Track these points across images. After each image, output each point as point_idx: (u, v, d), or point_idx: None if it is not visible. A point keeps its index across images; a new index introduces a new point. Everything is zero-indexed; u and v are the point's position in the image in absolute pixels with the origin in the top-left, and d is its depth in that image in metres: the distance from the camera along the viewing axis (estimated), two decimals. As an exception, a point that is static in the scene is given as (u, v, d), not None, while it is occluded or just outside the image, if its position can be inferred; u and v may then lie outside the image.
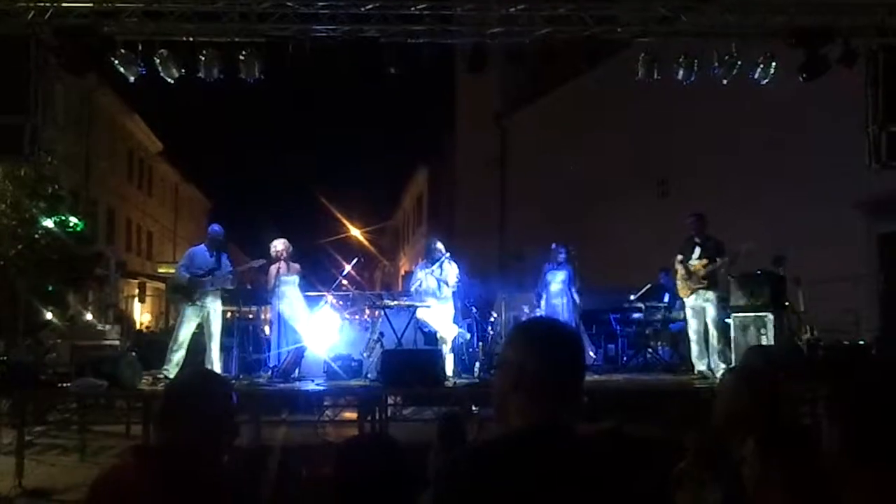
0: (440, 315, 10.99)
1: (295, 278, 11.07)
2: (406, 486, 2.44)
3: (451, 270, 11.10)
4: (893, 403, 2.05)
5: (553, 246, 12.09)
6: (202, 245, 10.57)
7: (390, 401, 10.10)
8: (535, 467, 1.85)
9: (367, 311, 12.37)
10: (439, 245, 11.33)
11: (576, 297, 11.87)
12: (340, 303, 13.41)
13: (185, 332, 10.09)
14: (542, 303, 11.98)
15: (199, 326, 10.20)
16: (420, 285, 11.15)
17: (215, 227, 10.72)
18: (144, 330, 26.51)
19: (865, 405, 2.11)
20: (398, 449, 2.60)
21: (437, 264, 11.09)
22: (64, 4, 9.61)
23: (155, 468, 2.50)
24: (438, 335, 10.99)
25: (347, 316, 12.67)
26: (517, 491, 1.82)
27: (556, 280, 11.83)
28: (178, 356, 9.89)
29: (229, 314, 11.57)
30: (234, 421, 2.71)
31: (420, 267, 11.55)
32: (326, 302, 12.47)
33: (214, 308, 10.28)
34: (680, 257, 10.44)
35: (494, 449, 1.97)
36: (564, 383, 2.02)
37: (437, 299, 10.95)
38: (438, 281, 11.02)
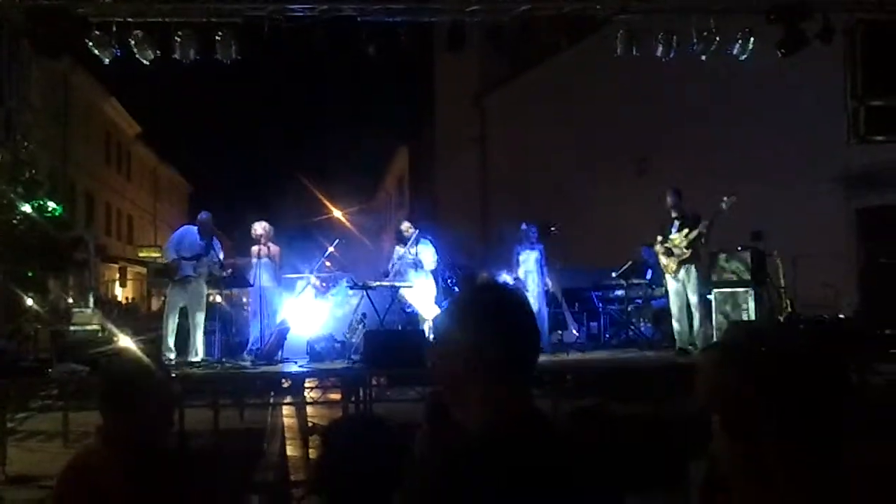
0: (420, 294, 11.02)
1: (275, 260, 11.08)
2: (396, 464, 2.43)
3: (427, 250, 11.14)
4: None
5: (523, 226, 11.90)
6: (194, 228, 10.56)
7: (374, 381, 10.11)
8: (521, 465, 1.60)
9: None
10: (405, 226, 11.40)
11: (547, 277, 11.80)
12: (323, 284, 13.37)
13: (174, 314, 10.20)
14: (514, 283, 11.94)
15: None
16: (394, 266, 11.19)
17: (204, 213, 10.72)
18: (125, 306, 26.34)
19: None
20: (386, 426, 2.59)
21: (410, 245, 11.10)
22: (36, -14, 9.49)
23: (116, 453, 2.55)
24: (420, 315, 11.02)
25: (331, 298, 12.63)
26: (508, 494, 1.58)
27: (530, 259, 11.69)
28: (171, 340, 10.06)
29: (211, 297, 11.55)
30: (169, 403, 2.80)
31: (394, 248, 11.55)
32: (309, 283, 12.43)
33: (198, 290, 10.36)
34: (660, 238, 10.41)
35: (474, 452, 1.66)
36: (526, 360, 1.75)
37: (416, 276, 11.00)
38: (414, 261, 11.04)
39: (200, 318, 10.32)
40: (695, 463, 2.53)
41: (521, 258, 11.69)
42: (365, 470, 2.32)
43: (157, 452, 2.63)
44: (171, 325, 10.17)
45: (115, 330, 11.22)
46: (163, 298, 15.69)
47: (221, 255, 10.54)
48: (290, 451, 8.71)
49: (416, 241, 11.18)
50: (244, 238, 11.51)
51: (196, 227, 10.53)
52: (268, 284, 10.94)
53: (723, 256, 10.42)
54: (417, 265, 11.09)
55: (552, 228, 12.03)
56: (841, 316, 11.25)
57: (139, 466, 2.51)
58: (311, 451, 8.11)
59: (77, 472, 2.59)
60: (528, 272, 11.62)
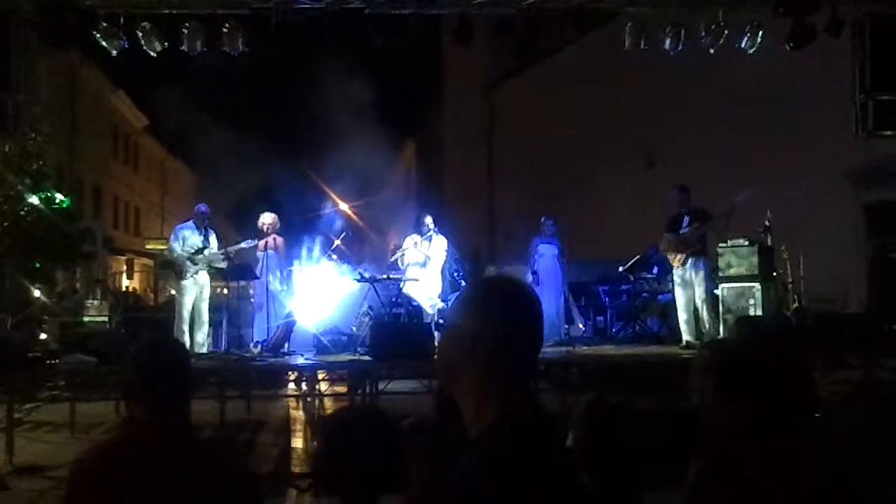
0: (425, 289, 11.04)
1: (280, 252, 11.16)
2: (396, 455, 2.43)
3: (439, 245, 11.15)
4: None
5: (542, 219, 12.01)
6: (191, 221, 10.65)
7: (381, 373, 10.10)
8: (540, 465, 1.55)
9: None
10: (428, 220, 11.34)
11: (564, 272, 11.84)
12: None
13: (188, 307, 10.31)
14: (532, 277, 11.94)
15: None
16: (403, 256, 11.22)
17: (202, 206, 10.82)
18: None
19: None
20: (385, 418, 2.59)
21: (425, 238, 11.13)
22: (44, -22, 9.46)
23: (141, 441, 2.52)
24: (424, 309, 11.03)
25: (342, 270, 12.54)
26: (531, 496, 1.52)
27: (548, 253, 11.78)
28: (187, 337, 10.13)
29: (217, 289, 11.59)
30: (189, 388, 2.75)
31: (407, 239, 11.54)
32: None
33: (204, 283, 10.49)
34: (668, 235, 10.38)
35: (481, 457, 1.57)
36: (525, 352, 1.72)
37: (422, 271, 11.02)
38: (425, 255, 11.06)
39: (205, 310, 10.44)
40: (692, 463, 2.52)
41: (540, 250, 11.74)
42: (363, 461, 2.32)
43: (183, 442, 2.61)
44: (186, 323, 10.26)
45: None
46: (169, 291, 15.76)
47: (217, 245, 10.59)
48: (295, 443, 8.72)
49: (430, 238, 11.20)
50: (250, 230, 11.55)
51: (193, 221, 10.61)
52: (274, 276, 10.98)
53: (730, 251, 10.37)
54: (426, 261, 11.12)
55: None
56: (849, 311, 11.22)
57: (162, 457, 2.48)
58: (315, 442, 8.13)
59: (95, 461, 2.56)
60: (547, 265, 11.65)
